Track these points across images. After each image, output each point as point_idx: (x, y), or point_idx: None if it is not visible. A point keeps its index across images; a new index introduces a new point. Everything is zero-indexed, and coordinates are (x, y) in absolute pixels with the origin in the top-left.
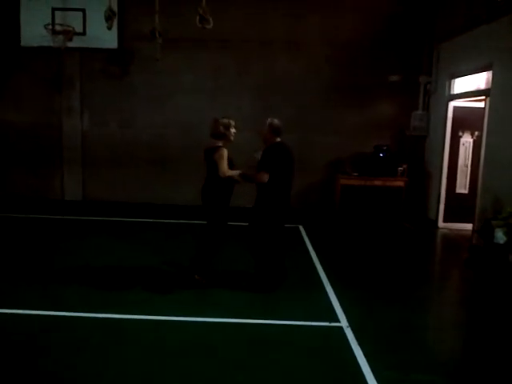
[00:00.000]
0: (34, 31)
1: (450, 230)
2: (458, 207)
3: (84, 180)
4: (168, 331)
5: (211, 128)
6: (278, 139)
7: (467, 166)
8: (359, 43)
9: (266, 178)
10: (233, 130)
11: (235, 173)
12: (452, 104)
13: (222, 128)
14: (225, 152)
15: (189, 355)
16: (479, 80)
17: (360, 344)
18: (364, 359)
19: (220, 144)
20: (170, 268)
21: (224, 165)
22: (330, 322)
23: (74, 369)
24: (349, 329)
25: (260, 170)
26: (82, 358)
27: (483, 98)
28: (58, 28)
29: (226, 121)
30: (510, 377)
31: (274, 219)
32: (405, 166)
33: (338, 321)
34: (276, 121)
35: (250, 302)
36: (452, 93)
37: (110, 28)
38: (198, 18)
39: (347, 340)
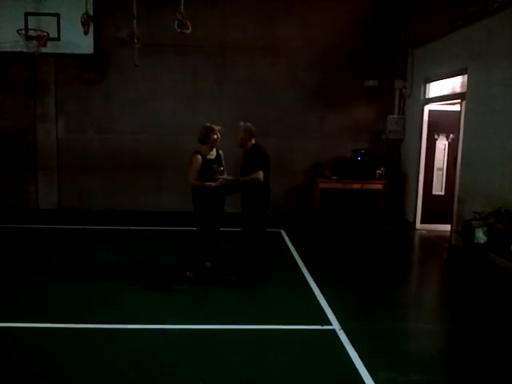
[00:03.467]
0: (6, 36)
1: (428, 231)
2: (435, 209)
3: (59, 188)
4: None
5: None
6: (253, 141)
7: (442, 169)
8: (336, 49)
9: (262, 176)
10: (215, 136)
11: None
12: (427, 107)
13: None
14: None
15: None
16: (454, 84)
17: (354, 346)
18: (360, 361)
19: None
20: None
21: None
22: (322, 325)
23: None
24: (341, 331)
25: (251, 171)
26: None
27: (458, 101)
28: (31, 33)
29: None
30: (499, 372)
31: (264, 214)
32: (382, 169)
33: (330, 323)
34: (250, 124)
35: (245, 306)
36: (427, 97)
37: (86, 33)
38: (176, 22)
39: (341, 343)
